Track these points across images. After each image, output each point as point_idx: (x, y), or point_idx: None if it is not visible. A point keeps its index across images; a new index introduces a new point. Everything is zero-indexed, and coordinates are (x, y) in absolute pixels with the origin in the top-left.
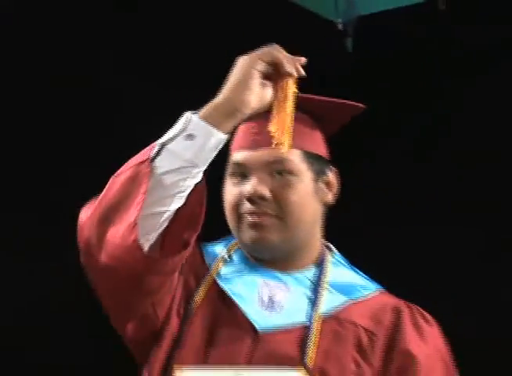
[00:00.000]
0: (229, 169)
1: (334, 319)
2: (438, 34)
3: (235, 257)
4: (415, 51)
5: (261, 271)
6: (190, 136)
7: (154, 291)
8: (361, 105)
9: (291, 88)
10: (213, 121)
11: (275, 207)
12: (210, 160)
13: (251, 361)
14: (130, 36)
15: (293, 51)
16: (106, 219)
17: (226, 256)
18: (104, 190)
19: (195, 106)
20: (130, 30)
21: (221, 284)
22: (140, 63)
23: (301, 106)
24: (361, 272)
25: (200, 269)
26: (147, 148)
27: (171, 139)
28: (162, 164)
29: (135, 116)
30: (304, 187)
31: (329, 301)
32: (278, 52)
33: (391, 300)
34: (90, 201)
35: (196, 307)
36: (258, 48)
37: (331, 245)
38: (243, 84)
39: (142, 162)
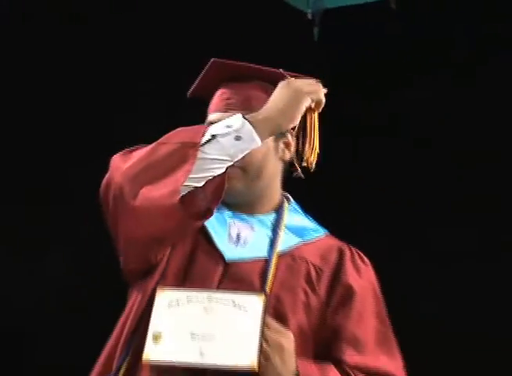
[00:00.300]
0: None
1: (289, 256)
2: (393, 31)
3: None
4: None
5: (231, 213)
6: (239, 137)
7: (167, 241)
8: (310, 78)
9: (317, 116)
10: (259, 130)
11: (240, 160)
12: None
13: (221, 286)
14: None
15: (264, 36)
16: (147, 176)
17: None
18: (147, 151)
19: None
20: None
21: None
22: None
23: (265, 77)
24: (312, 219)
25: None
26: (195, 131)
27: (224, 135)
28: (210, 151)
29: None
30: (265, 145)
31: (286, 241)
32: (322, 93)
33: (336, 242)
34: (124, 151)
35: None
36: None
37: (289, 195)
38: (295, 107)
39: (193, 145)
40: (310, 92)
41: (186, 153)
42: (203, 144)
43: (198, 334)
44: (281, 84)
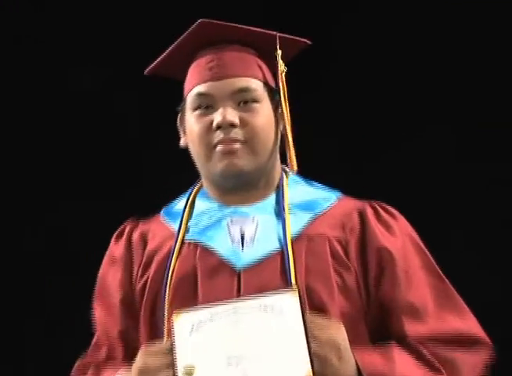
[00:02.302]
0: (191, 104)
1: (305, 237)
2: None
3: (199, 203)
4: None
5: (227, 209)
6: None
7: None
8: (305, 40)
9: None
10: None
11: (244, 132)
12: None
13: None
14: None
15: None
16: None
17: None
18: None
19: None
20: None
21: (192, 238)
22: None
23: (257, 42)
24: (318, 185)
25: (152, 250)
26: None
27: None
28: None
29: None
30: (267, 114)
31: (296, 222)
32: None
33: (352, 204)
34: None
35: (172, 272)
36: None
37: (286, 168)
38: None
39: None
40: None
41: None
42: None
43: (235, 357)
44: None
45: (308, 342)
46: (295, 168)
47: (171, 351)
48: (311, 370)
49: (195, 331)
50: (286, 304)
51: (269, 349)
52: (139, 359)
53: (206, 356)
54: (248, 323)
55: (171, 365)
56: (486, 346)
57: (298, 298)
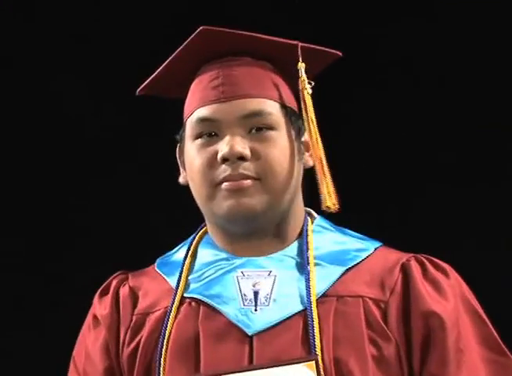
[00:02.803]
0: (192, 130)
1: (335, 297)
2: None
3: (202, 252)
4: None
5: (237, 261)
6: None
7: None
8: (337, 52)
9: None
10: None
11: (256, 167)
12: None
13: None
14: None
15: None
16: None
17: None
18: None
19: None
20: None
21: (194, 295)
22: None
23: (273, 53)
24: (351, 232)
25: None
26: None
27: None
28: None
29: None
30: (286, 143)
31: (323, 278)
32: None
33: (394, 256)
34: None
35: (169, 336)
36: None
37: (311, 210)
38: None
39: None
40: None
41: None
42: None
43: None
44: None
45: None
46: (333, 207)
47: None
48: None
49: None
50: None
51: None
52: None
53: None
54: None
55: None
56: None
57: (315, 373)
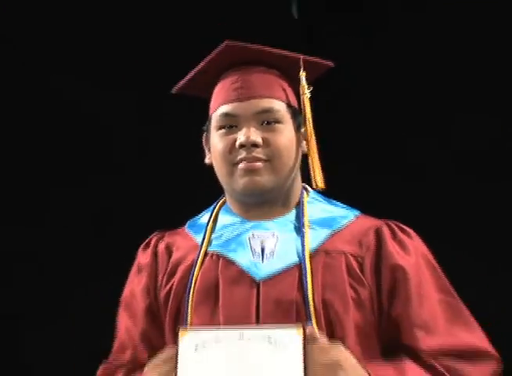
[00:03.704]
0: (216, 123)
1: (323, 253)
2: None
3: (222, 217)
4: None
5: (249, 224)
6: None
7: None
8: (329, 63)
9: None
10: None
11: (266, 152)
12: None
13: (260, 308)
14: None
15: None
16: None
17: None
18: None
19: None
20: None
21: (215, 249)
22: None
23: (281, 63)
24: (337, 203)
25: (176, 260)
26: None
27: None
28: None
29: None
30: (289, 134)
31: (315, 238)
32: None
33: (370, 222)
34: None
35: (195, 281)
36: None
37: (307, 185)
38: None
39: None
40: None
41: None
42: None
43: None
44: None
45: None
46: (320, 185)
47: (172, 359)
48: None
49: (198, 351)
50: (291, 340)
51: None
52: (146, 372)
53: None
54: (251, 351)
55: (173, 373)
56: (494, 359)
57: (303, 336)
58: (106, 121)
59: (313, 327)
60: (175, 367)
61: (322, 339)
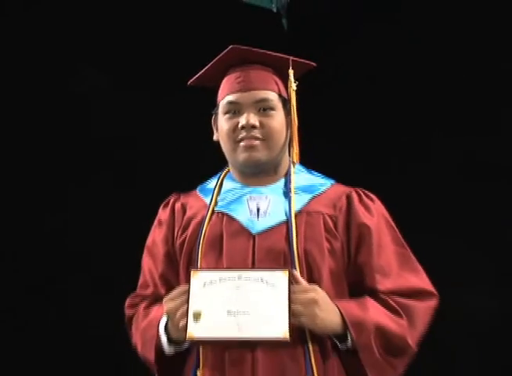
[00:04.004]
0: (223, 109)
1: (305, 213)
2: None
3: (226, 183)
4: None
5: (247, 189)
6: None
7: None
8: (312, 63)
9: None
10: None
11: (262, 132)
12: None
13: (255, 256)
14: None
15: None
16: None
17: (218, 183)
18: (134, 331)
19: None
20: None
21: (220, 209)
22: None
23: (274, 63)
24: (317, 174)
25: (189, 218)
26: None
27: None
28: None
29: None
30: (280, 119)
31: (299, 201)
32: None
33: (342, 189)
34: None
35: (204, 233)
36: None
37: (293, 160)
38: None
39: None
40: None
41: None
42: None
43: (233, 311)
44: None
45: (289, 312)
46: (296, 160)
47: (185, 293)
48: (288, 333)
49: (206, 287)
50: (279, 281)
51: (260, 311)
52: (164, 305)
53: (211, 306)
54: (247, 288)
55: (184, 304)
56: (434, 296)
57: (288, 277)
58: None
59: (296, 271)
60: (187, 299)
61: (303, 282)
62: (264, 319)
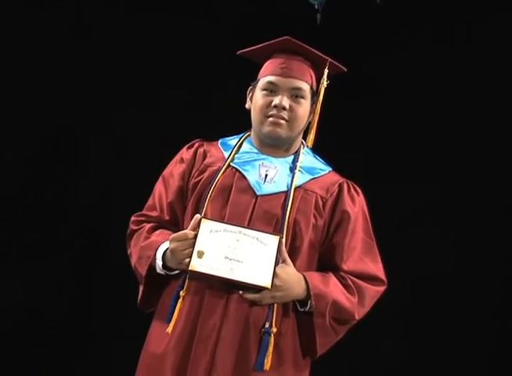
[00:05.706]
0: (262, 85)
1: (303, 190)
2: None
3: (245, 145)
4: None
5: (262, 156)
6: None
7: None
8: (343, 68)
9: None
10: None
11: (289, 115)
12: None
13: (253, 214)
14: None
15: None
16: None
17: (238, 145)
18: (133, 244)
19: None
20: None
21: (235, 165)
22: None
23: (314, 59)
24: (320, 159)
25: (208, 164)
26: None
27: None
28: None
29: None
30: (307, 107)
31: (301, 178)
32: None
33: (337, 177)
34: (138, 216)
35: (216, 182)
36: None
37: (304, 141)
38: None
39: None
40: None
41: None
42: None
43: (230, 257)
44: None
45: (274, 268)
46: (310, 144)
47: (193, 238)
48: (270, 283)
49: (212, 234)
50: (270, 242)
51: (251, 262)
52: (170, 243)
53: (213, 250)
54: (245, 242)
55: (191, 247)
56: (384, 285)
57: (278, 241)
58: None
59: (283, 236)
60: (194, 241)
61: (285, 252)
62: (253, 268)
